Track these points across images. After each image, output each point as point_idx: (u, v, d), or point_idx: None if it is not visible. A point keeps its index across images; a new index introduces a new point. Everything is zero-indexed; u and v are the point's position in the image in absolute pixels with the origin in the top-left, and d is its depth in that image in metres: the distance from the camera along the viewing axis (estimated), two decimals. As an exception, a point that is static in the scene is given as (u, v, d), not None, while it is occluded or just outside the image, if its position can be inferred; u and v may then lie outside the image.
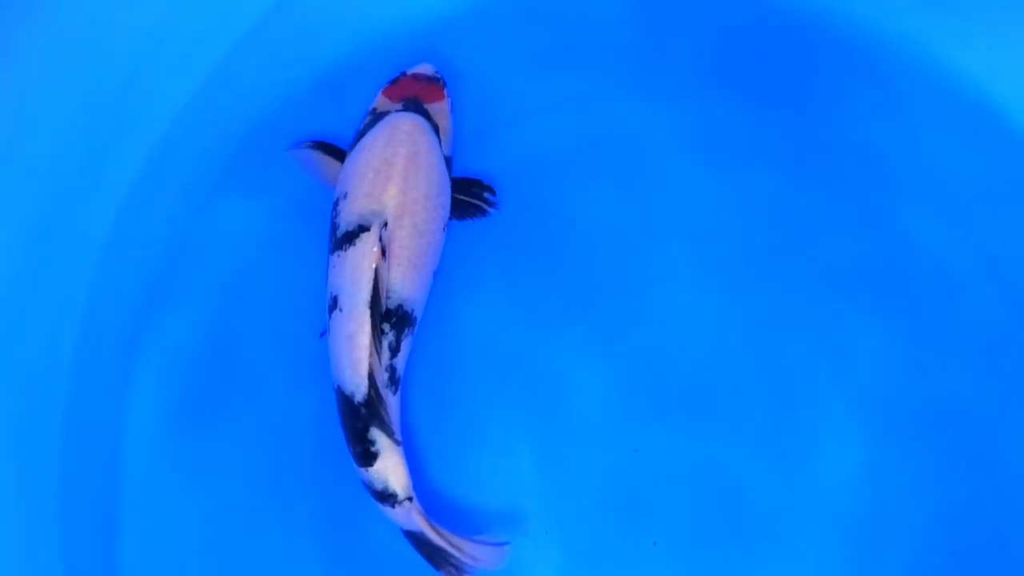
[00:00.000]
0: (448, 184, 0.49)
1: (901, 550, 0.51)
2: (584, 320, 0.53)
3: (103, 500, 0.50)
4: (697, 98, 0.56)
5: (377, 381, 0.43)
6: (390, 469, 0.43)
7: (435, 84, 0.51)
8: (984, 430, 0.53)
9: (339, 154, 0.50)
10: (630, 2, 0.56)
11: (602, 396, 0.53)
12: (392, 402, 0.44)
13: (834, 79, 0.56)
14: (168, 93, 0.53)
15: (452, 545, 0.44)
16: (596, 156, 0.55)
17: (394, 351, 0.44)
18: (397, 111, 0.49)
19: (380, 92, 0.51)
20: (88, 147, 0.50)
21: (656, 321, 0.54)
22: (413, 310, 0.45)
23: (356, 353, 0.43)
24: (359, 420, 0.43)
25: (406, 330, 0.45)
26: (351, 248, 0.44)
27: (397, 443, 0.43)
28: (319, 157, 0.50)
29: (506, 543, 0.46)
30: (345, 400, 0.43)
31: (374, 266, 0.43)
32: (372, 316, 0.43)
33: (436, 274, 0.48)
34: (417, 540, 0.45)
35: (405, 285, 0.45)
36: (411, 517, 0.44)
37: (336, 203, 0.47)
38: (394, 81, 0.51)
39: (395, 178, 0.45)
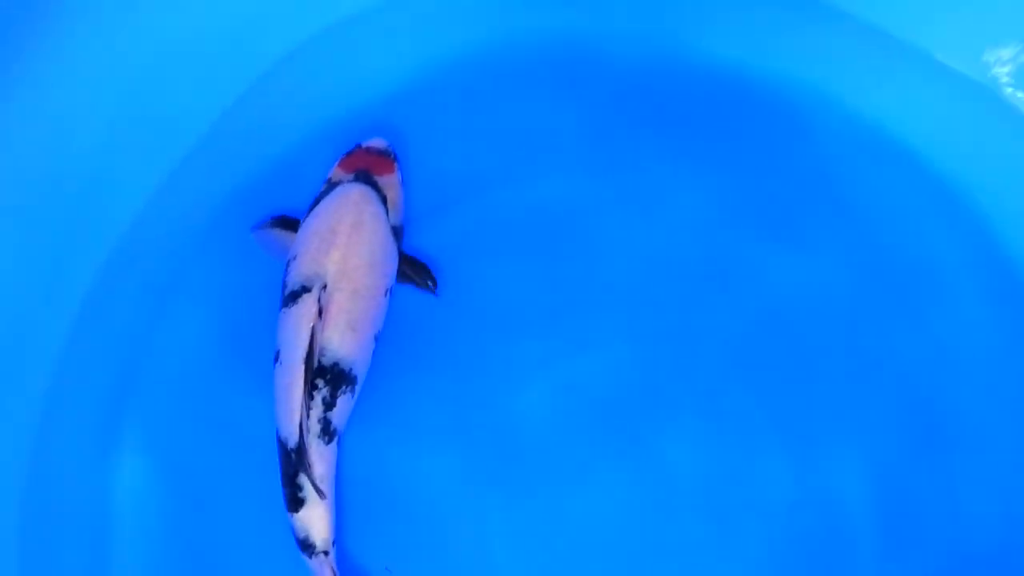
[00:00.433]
0: (394, 252, 0.51)
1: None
2: (529, 387, 0.54)
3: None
4: (635, 167, 0.58)
5: (306, 431, 0.45)
6: (313, 519, 0.46)
7: (386, 157, 0.54)
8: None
9: (292, 224, 0.53)
10: (564, 80, 0.59)
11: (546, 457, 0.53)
12: (325, 452, 0.47)
13: (761, 136, 0.58)
14: (129, 191, 0.54)
15: None
16: (541, 228, 0.57)
17: (328, 405, 0.47)
18: (349, 181, 0.52)
19: (336, 163, 0.54)
20: (49, 245, 0.51)
21: (598, 384, 0.54)
22: (351, 369, 0.48)
23: (290, 404, 0.45)
24: (290, 465, 0.46)
25: (343, 387, 0.48)
26: (294, 307, 0.48)
27: (321, 495, 0.45)
28: (279, 233, 0.53)
29: None
30: (281, 445, 0.47)
31: (311, 325, 0.46)
32: (306, 371, 0.45)
33: (378, 337, 0.50)
34: None
35: (342, 345, 0.47)
36: (324, 570, 0.46)
37: (287, 264, 0.50)
38: (348, 153, 0.54)
39: (339, 244, 0.48)
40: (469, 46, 0.58)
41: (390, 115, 0.57)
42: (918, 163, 0.57)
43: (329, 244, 0.48)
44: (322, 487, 0.45)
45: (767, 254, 0.56)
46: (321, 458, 0.46)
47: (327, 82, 0.58)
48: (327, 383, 0.47)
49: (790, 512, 0.52)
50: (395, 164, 0.54)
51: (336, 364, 0.47)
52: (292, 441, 0.45)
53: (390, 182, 0.53)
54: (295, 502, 0.45)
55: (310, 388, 0.45)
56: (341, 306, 0.47)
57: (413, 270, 0.53)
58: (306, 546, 0.46)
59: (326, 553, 0.46)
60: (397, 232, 0.52)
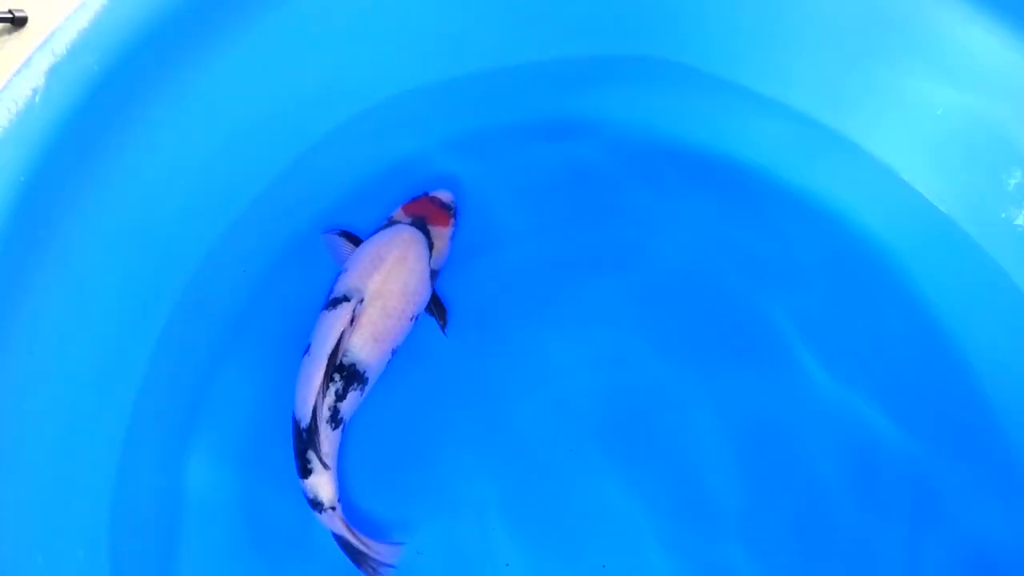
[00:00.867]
0: (426, 289, 0.58)
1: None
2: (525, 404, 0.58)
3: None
4: (619, 223, 0.63)
5: (319, 415, 0.52)
6: (320, 484, 0.52)
7: (444, 211, 0.61)
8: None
9: (356, 240, 0.61)
10: (560, 154, 0.65)
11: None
12: (331, 435, 0.53)
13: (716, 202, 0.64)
14: (199, 238, 0.58)
15: (367, 546, 0.52)
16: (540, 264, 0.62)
17: (339, 397, 0.53)
18: (405, 223, 0.59)
19: (401, 205, 0.61)
20: (134, 276, 0.53)
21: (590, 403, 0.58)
22: (365, 371, 0.54)
23: (309, 390, 0.52)
24: (301, 443, 0.52)
25: (355, 384, 0.54)
26: (332, 311, 0.54)
27: (326, 467, 0.52)
28: (342, 243, 0.60)
29: (402, 543, 0.54)
30: (295, 424, 0.53)
31: (342, 329, 0.52)
32: (328, 364, 0.52)
33: (395, 351, 0.57)
34: (340, 542, 0.53)
35: (362, 350, 0.54)
36: (334, 521, 0.52)
37: (338, 274, 0.57)
38: (415, 199, 0.61)
39: (381, 270, 0.56)
40: (479, 126, 0.64)
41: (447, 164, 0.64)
42: (851, 231, 0.63)
43: (374, 268, 0.56)
44: (327, 462, 0.52)
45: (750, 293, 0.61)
46: (327, 439, 0.52)
47: (380, 145, 0.64)
48: (343, 378, 0.53)
49: (790, 530, 0.55)
50: (451, 218, 0.60)
51: (353, 365, 0.53)
52: (305, 422, 0.51)
53: (441, 233, 0.60)
54: (304, 471, 0.52)
55: (327, 380, 0.52)
56: (371, 319, 0.54)
57: (435, 308, 0.59)
58: (315, 504, 0.52)
59: (333, 508, 0.52)
60: (434, 274, 0.59)
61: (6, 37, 0.75)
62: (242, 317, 0.59)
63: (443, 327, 0.59)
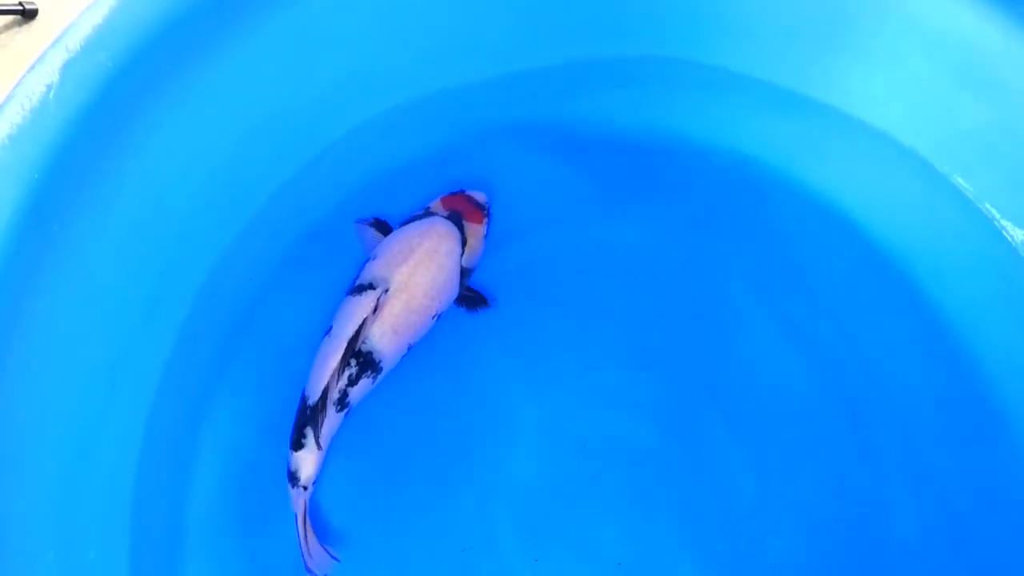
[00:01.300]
0: (454, 287, 0.57)
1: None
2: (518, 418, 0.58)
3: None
4: (622, 228, 0.63)
5: (328, 396, 0.52)
6: (305, 460, 0.52)
7: (479, 210, 0.59)
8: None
9: (387, 229, 0.60)
10: (571, 153, 0.64)
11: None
12: (334, 417, 0.53)
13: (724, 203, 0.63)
14: (214, 236, 0.57)
15: (303, 537, 0.52)
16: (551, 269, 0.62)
17: (352, 382, 0.53)
18: (442, 216, 0.58)
19: (439, 198, 0.60)
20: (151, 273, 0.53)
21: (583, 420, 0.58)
22: (380, 361, 0.54)
23: (325, 370, 0.52)
24: (303, 417, 0.53)
25: (368, 371, 0.54)
26: (357, 297, 0.54)
27: (318, 447, 0.52)
28: (373, 232, 0.59)
29: (337, 559, 0.53)
30: (303, 399, 0.53)
31: (364, 316, 0.52)
32: (346, 349, 0.52)
33: (412, 347, 0.56)
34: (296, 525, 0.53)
35: (380, 340, 0.54)
36: (298, 502, 0.53)
37: (366, 260, 0.57)
38: (452, 194, 0.60)
39: (410, 262, 0.55)
40: (496, 126, 0.64)
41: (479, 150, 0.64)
42: (860, 231, 0.62)
43: (404, 259, 0.55)
44: (322, 442, 0.52)
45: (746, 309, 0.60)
46: (329, 420, 0.52)
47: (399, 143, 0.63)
48: (358, 364, 0.53)
49: (801, 529, 0.55)
50: (485, 218, 0.59)
51: (371, 353, 0.53)
52: (313, 399, 0.52)
53: (475, 231, 0.58)
54: (297, 444, 0.52)
55: (344, 364, 0.52)
56: (393, 311, 0.54)
57: (470, 300, 0.59)
58: (292, 478, 0.52)
59: (305, 488, 0.52)
60: (465, 272, 0.58)
61: (16, 29, 0.75)
62: (253, 316, 0.59)
63: (484, 304, 0.59)
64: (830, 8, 0.57)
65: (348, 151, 0.61)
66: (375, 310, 0.53)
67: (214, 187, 0.55)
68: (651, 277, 0.61)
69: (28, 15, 0.75)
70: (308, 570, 0.52)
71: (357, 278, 0.56)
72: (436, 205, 0.59)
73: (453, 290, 0.57)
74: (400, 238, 0.57)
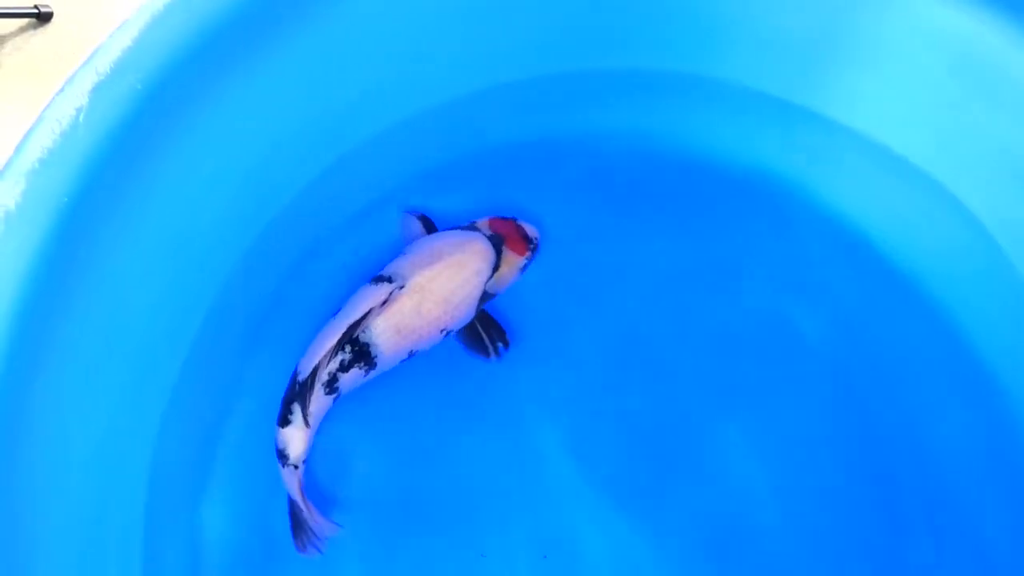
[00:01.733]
0: (471, 307, 0.56)
1: None
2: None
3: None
4: (632, 241, 0.63)
5: (318, 375, 0.51)
6: (293, 437, 0.52)
7: (526, 243, 0.59)
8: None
9: (431, 228, 0.60)
10: (585, 172, 0.64)
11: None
12: (322, 399, 0.52)
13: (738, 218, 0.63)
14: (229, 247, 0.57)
15: (311, 514, 0.52)
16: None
17: (343, 367, 0.52)
18: (484, 234, 0.57)
19: (489, 217, 0.59)
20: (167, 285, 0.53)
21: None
22: (375, 356, 0.53)
23: (319, 348, 0.51)
24: (291, 393, 0.52)
25: (361, 363, 0.53)
26: (372, 286, 0.54)
27: (306, 424, 0.51)
28: (417, 225, 0.59)
29: (341, 527, 0.54)
30: (294, 375, 0.53)
31: (372, 306, 0.52)
32: (345, 333, 0.51)
33: (413, 354, 0.55)
34: (289, 503, 0.53)
35: (380, 335, 0.53)
36: (292, 479, 0.52)
37: (397, 255, 0.56)
38: (504, 219, 0.59)
39: (435, 267, 0.54)
40: (493, 143, 0.64)
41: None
42: (878, 251, 0.62)
43: (430, 262, 0.54)
44: (310, 420, 0.51)
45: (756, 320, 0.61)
46: (317, 399, 0.51)
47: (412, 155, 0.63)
48: (352, 352, 0.52)
49: (787, 558, 0.56)
50: (529, 253, 0.58)
51: (367, 344, 0.52)
52: (303, 375, 0.51)
53: (513, 261, 0.58)
54: (284, 420, 0.52)
55: (339, 347, 0.51)
56: (402, 308, 0.53)
57: (485, 328, 0.57)
58: (282, 456, 0.52)
59: (296, 467, 0.51)
60: (487, 296, 0.57)
61: (32, 32, 0.75)
62: (268, 320, 0.59)
63: (502, 348, 0.58)
64: (839, 22, 0.57)
65: (367, 159, 0.61)
66: (384, 303, 0.52)
67: (238, 197, 0.55)
68: (664, 290, 0.61)
69: (43, 18, 0.74)
70: (301, 550, 0.52)
71: (381, 268, 0.55)
72: (483, 223, 0.59)
73: (470, 309, 0.56)
74: (434, 242, 0.56)
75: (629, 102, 0.64)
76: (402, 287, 0.53)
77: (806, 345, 0.60)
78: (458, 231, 0.57)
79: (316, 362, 0.51)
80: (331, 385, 0.52)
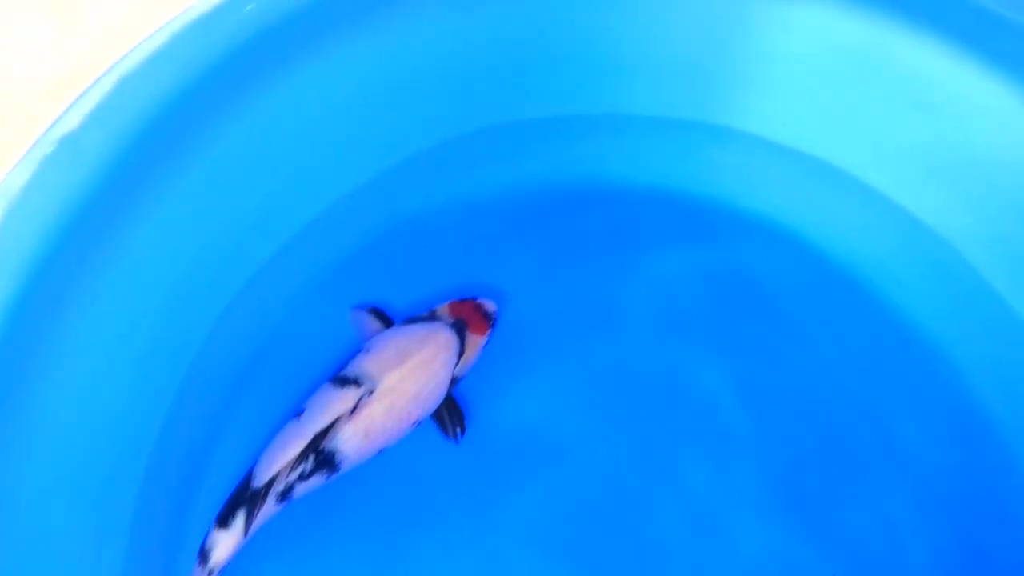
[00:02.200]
0: (441, 395, 0.55)
1: None
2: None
3: None
4: (585, 285, 0.63)
5: (273, 486, 0.49)
6: (223, 542, 0.49)
7: (486, 321, 0.58)
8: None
9: (387, 321, 0.59)
10: (527, 218, 0.65)
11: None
12: (272, 508, 0.50)
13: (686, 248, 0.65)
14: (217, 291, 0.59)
15: None
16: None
17: (303, 477, 0.50)
18: (446, 323, 0.56)
19: (448, 302, 0.59)
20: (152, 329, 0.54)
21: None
22: (340, 462, 0.51)
23: (281, 456, 0.49)
24: (241, 495, 0.49)
25: (324, 470, 0.51)
26: (338, 389, 0.52)
27: (244, 534, 0.49)
28: (371, 321, 0.58)
29: None
30: (247, 477, 0.50)
31: (340, 413, 0.50)
32: (310, 445, 0.49)
33: (383, 451, 0.53)
34: None
35: (348, 443, 0.51)
36: None
37: (358, 352, 0.55)
38: (463, 300, 0.59)
39: (403, 367, 0.53)
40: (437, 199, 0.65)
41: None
42: (817, 253, 0.64)
43: (398, 362, 0.53)
44: (249, 530, 0.49)
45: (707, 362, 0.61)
46: (265, 510, 0.49)
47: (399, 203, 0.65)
48: (315, 462, 0.50)
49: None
50: (489, 330, 0.58)
51: (333, 453, 0.51)
52: (257, 484, 0.49)
53: (476, 341, 0.57)
54: (223, 522, 0.49)
55: (303, 457, 0.49)
56: (372, 414, 0.51)
57: (448, 413, 0.56)
58: (202, 555, 0.49)
59: (211, 572, 0.49)
60: (455, 380, 0.56)
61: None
62: (258, 362, 0.59)
63: (459, 433, 0.56)
64: (731, 41, 0.60)
65: (342, 216, 0.63)
66: (353, 410, 0.51)
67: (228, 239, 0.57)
68: (607, 331, 0.61)
69: None
70: None
71: (344, 367, 0.54)
72: (443, 310, 0.58)
73: (439, 399, 0.55)
74: (398, 338, 0.55)
75: (549, 150, 0.66)
76: (371, 391, 0.51)
77: (766, 361, 0.60)
78: (420, 324, 0.56)
79: (275, 472, 0.49)
80: (285, 495, 0.50)
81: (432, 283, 0.62)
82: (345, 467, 0.52)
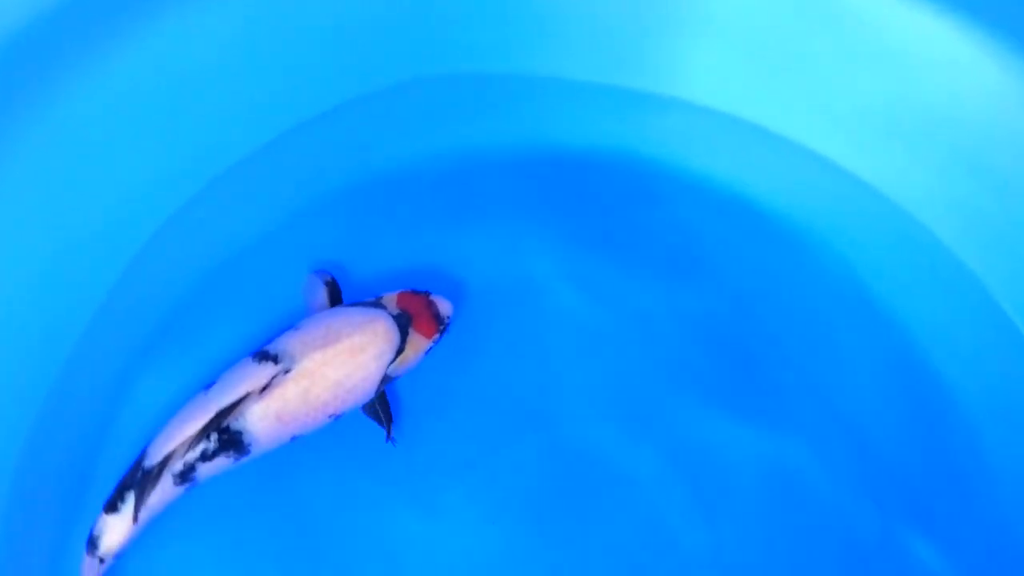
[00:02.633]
0: (368, 392, 0.50)
1: None
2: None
3: None
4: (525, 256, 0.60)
5: (168, 465, 0.46)
6: (113, 528, 0.46)
7: (435, 323, 0.53)
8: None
9: (336, 298, 0.54)
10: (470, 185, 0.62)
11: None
12: (170, 491, 0.47)
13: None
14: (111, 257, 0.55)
15: None
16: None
17: (205, 457, 0.47)
18: (390, 314, 0.51)
19: (398, 291, 0.53)
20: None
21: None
22: (249, 444, 0.48)
23: (176, 433, 0.46)
24: (130, 477, 0.46)
25: (230, 451, 0.47)
26: (254, 365, 0.48)
27: (135, 519, 0.46)
28: (321, 294, 0.54)
29: None
30: (139, 457, 0.47)
31: (249, 390, 0.47)
32: (212, 420, 0.46)
33: (295, 439, 0.50)
34: None
35: (258, 424, 0.47)
36: (90, 571, 0.47)
37: (289, 328, 0.51)
38: (414, 292, 0.53)
39: (329, 350, 0.48)
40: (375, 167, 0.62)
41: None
42: (769, 220, 0.61)
43: (325, 344, 0.48)
44: (140, 515, 0.46)
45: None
46: (160, 493, 0.46)
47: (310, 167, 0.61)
48: (219, 441, 0.47)
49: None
50: (438, 335, 0.53)
51: (240, 433, 0.47)
52: (150, 463, 0.46)
53: (419, 343, 0.52)
54: (111, 506, 0.46)
55: (202, 434, 0.46)
56: (285, 395, 0.48)
57: (381, 410, 0.52)
58: (91, 543, 0.46)
59: (101, 560, 0.46)
60: (387, 379, 0.51)
61: None
62: (161, 336, 0.55)
63: (388, 436, 0.52)
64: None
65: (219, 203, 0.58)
66: (264, 388, 0.47)
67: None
68: (555, 299, 0.58)
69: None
70: None
71: (268, 341, 0.50)
72: (389, 298, 0.53)
73: (365, 394, 0.50)
74: (332, 319, 0.50)
75: (491, 114, 0.64)
76: (288, 371, 0.47)
77: (710, 322, 0.58)
78: (360, 307, 0.51)
79: (170, 449, 0.46)
80: (185, 475, 0.47)
81: (366, 254, 0.58)
82: (256, 451, 0.48)
